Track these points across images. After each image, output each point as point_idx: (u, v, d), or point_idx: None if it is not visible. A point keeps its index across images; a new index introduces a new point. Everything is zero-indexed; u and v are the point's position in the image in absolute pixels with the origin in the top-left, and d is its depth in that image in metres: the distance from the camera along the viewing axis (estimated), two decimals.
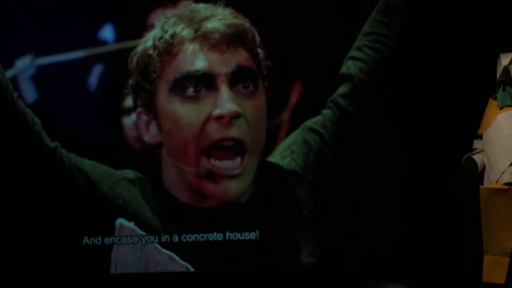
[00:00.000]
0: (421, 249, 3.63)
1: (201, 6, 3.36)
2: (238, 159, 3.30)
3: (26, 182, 3.35)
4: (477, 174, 3.45)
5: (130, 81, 3.37)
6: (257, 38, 3.36)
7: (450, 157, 3.55)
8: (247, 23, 3.34)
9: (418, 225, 3.63)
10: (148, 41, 3.33)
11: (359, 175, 3.54)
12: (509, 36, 3.55)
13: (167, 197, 3.37)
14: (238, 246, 3.43)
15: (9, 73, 3.52)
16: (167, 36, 3.29)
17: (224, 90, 3.25)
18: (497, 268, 3.32)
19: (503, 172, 3.33)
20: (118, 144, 3.60)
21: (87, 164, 3.37)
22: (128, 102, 3.56)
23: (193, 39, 3.29)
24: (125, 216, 3.40)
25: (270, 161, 3.46)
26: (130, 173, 3.42)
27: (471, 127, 3.50)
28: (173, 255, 3.40)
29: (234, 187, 3.31)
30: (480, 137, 3.47)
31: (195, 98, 3.26)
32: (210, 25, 3.28)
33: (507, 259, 3.31)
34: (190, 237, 3.42)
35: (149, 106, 3.33)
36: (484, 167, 3.44)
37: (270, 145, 3.47)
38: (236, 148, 3.28)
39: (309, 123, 3.47)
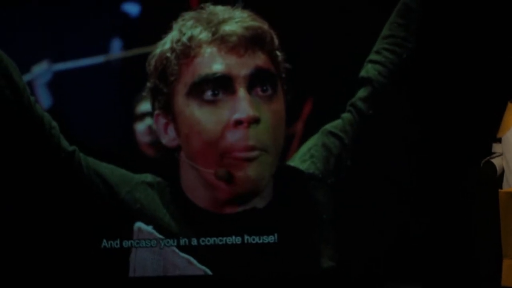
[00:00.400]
0: (439, 253, 3.61)
1: (219, 8, 3.33)
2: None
3: (44, 186, 3.34)
4: (496, 178, 3.44)
5: (148, 84, 3.35)
6: (276, 41, 3.33)
7: (469, 160, 3.54)
8: (265, 26, 3.31)
9: (437, 229, 3.62)
10: (166, 43, 3.31)
11: (378, 179, 3.52)
12: None
13: (185, 201, 3.36)
14: (256, 250, 3.42)
15: (25, 79, 3.49)
16: (184, 39, 3.27)
17: (243, 94, 3.23)
18: None
19: None
20: (136, 149, 3.59)
21: (106, 168, 3.36)
22: (141, 108, 3.57)
23: (210, 42, 3.27)
24: (143, 220, 3.39)
25: (289, 165, 3.44)
26: (149, 177, 3.40)
27: (490, 130, 3.49)
28: (191, 258, 3.39)
29: (253, 170, 3.24)
30: (499, 140, 3.46)
31: (213, 102, 3.24)
32: (228, 27, 3.25)
33: None
34: (208, 241, 3.41)
35: (167, 109, 3.31)
36: (503, 171, 3.43)
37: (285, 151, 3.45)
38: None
39: (329, 126, 3.44)
